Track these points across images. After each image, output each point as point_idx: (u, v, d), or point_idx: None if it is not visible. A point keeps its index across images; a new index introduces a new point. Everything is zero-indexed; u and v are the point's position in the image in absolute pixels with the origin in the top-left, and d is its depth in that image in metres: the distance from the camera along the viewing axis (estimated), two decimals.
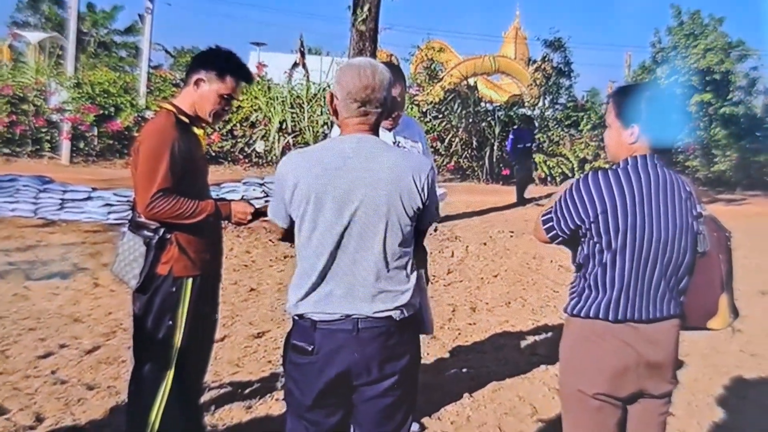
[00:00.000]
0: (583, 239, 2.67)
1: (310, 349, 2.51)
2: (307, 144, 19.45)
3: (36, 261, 8.13)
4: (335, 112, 2.62)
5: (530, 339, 6.47)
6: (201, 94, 3.40)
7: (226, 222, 3.54)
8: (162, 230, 3.31)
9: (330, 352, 2.50)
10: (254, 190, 11.47)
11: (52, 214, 10.44)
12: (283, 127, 19.64)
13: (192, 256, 3.38)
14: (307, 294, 2.52)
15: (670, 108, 2.71)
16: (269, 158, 19.48)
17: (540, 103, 23.88)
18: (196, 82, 3.40)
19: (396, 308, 2.51)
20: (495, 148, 21.56)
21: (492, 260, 10.09)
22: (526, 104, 24.30)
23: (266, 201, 10.35)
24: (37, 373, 4.93)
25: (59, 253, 8.56)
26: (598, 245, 2.61)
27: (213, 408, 4.43)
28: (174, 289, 3.35)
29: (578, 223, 2.62)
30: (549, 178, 21.57)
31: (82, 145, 19.24)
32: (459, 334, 6.43)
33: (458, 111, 21.65)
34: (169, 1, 28.30)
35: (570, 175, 21.60)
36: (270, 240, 9.86)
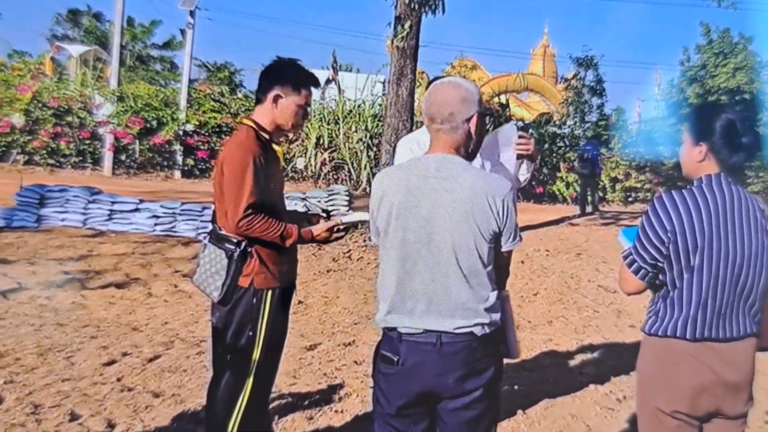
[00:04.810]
0: (661, 263, 2.68)
1: (395, 359, 2.60)
2: (342, 160, 19.67)
3: (90, 270, 8.36)
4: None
5: (576, 358, 6.50)
6: (282, 109, 3.51)
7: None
8: (244, 243, 3.41)
9: (414, 365, 2.58)
10: (296, 204, 11.64)
11: (101, 225, 10.72)
12: (320, 142, 19.87)
13: (271, 268, 3.47)
14: (392, 307, 2.62)
15: (742, 132, 2.69)
16: (305, 174, 19.76)
17: (570, 121, 23.88)
18: (275, 99, 3.50)
19: (476, 324, 2.56)
20: None
21: (530, 279, 10.13)
22: (556, 122, 24.30)
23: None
24: (104, 380, 5.09)
25: (111, 263, 8.79)
26: (676, 266, 2.63)
27: (276, 417, 4.54)
28: (255, 301, 3.44)
29: (658, 245, 2.63)
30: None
31: (123, 157, 19.67)
32: None
33: (490, 129, 21.65)
34: (209, 16, 28.88)
35: (601, 194, 21.59)
36: (313, 254, 10.02)
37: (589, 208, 17.58)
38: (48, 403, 4.59)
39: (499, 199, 2.56)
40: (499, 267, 2.70)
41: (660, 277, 2.71)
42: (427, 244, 2.57)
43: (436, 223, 2.55)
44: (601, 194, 18.24)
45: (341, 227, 3.67)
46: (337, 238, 3.72)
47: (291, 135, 3.99)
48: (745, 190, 2.71)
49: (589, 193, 17.91)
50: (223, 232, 3.47)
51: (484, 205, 2.54)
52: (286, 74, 3.56)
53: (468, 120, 2.67)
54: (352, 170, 19.71)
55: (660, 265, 2.67)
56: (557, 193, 22.02)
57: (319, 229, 3.62)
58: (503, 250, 2.66)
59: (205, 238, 3.62)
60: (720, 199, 2.63)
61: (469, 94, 2.70)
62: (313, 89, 3.66)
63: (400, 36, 11.33)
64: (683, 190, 2.68)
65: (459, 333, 2.56)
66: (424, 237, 2.56)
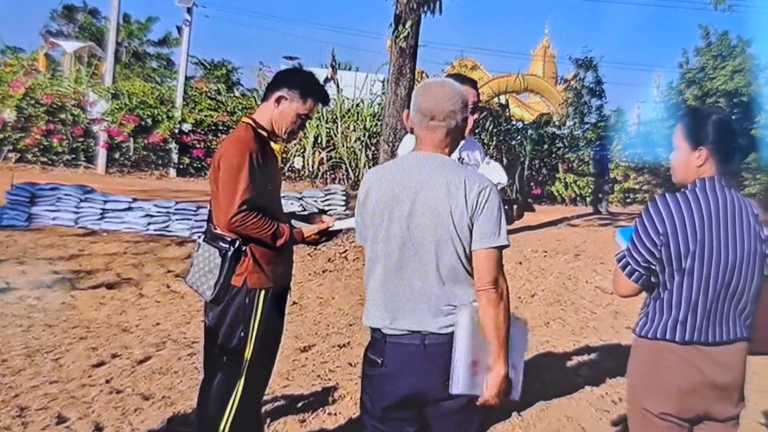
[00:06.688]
0: (654, 266, 2.68)
1: (379, 361, 2.58)
2: (340, 159, 19.57)
3: (80, 270, 8.24)
4: (412, 129, 2.69)
5: (572, 360, 6.43)
6: (281, 112, 3.49)
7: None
8: (238, 242, 3.37)
9: (399, 366, 2.54)
10: (292, 204, 11.53)
11: (93, 224, 10.56)
12: (318, 141, 19.75)
13: (265, 268, 3.44)
14: (376, 307, 2.60)
15: (737, 131, 2.74)
16: (302, 173, 19.65)
17: (569, 122, 23.81)
18: (278, 100, 3.49)
19: None
20: (525, 166, 21.52)
21: (528, 280, 10.04)
22: (555, 123, 24.26)
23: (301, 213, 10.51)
24: (92, 381, 5.00)
25: (102, 262, 8.67)
26: (668, 269, 2.63)
27: (268, 420, 4.46)
28: (248, 300, 3.41)
29: (651, 248, 2.63)
30: (579, 199, 21.49)
31: (117, 155, 19.52)
32: None
33: (489, 129, 21.62)
34: (206, 13, 28.57)
35: (600, 195, 21.57)
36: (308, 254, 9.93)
37: (599, 208, 17.93)
38: (35, 405, 4.49)
39: (475, 191, 2.50)
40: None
41: (653, 279, 2.71)
42: (408, 241, 2.54)
43: (417, 220, 2.52)
44: (600, 196, 18.28)
45: (332, 229, 3.62)
46: (326, 240, 3.69)
47: (283, 138, 3.99)
48: (740, 194, 2.73)
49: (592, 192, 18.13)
50: (218, 231, 3.44)
51: (460, 199, 2.49)
52: (298, 79, 3.57)
53: (465, 119, 2.66)
54: (350, 169, 19.59)
55: (653, 267, 2.67)
56: (556, 194, 21.96)
57: (309, 230, 3.57)
58: (474, 248, 2.52)
59: (199, 237, 3.59)
60: (713, 203, 2.64)
61: (465, 94, 2.70)
62: (320, 104, 3.67)
63: (402, 36, 11.21)
64: (677, 194, 2.69)
65: (444, 333, 2.51)
66: (406, 235, 2.54)
